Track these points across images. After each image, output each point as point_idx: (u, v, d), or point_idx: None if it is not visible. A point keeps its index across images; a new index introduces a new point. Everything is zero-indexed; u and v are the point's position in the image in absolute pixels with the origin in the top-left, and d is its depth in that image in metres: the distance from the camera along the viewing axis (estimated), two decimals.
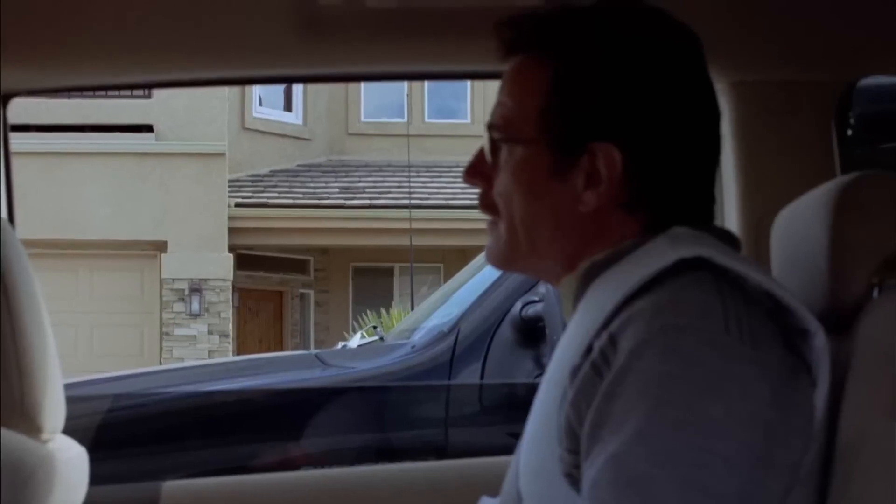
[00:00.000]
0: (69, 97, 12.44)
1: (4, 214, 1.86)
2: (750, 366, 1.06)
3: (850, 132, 2.20)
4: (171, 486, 1.91)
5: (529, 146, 1.21)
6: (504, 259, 1.27)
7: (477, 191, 1.27)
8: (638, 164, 1.17)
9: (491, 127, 1.25)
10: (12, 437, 1.34)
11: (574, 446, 1.09)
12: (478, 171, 1.26)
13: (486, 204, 1.26)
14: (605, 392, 1.06)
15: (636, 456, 1.02)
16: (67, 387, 1.49)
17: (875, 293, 1.18)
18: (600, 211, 1.19)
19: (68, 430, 1.49)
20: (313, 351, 4.96)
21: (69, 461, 1.45)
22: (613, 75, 1.18)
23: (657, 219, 1.18)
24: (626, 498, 1.02)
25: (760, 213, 1.74)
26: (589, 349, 1.10)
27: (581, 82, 1.18)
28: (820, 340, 1.09)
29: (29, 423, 1.37)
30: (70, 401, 1.48)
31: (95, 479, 1.56)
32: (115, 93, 12.72)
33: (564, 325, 1.24)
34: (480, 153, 1.27)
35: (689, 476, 1.01)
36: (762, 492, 1.04)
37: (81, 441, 1.53)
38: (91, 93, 12.18)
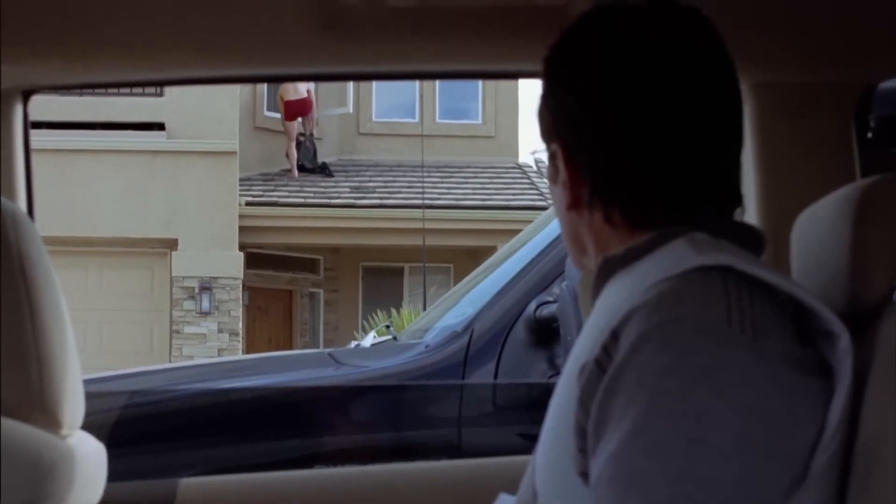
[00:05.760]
0: (81, 95, 12.47)
1: (25, 209, 1.86)
2: (749, 355, 1.06)
3: (870, 135, 2.19)
4: (187, 482, 1.92)
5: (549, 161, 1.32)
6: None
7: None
8: (575, 158, 1.24)
9: None
10: (32, 432, 1.33)
11: (585, 445, 1.10)
12: None
13: None
14: (606, 388, 1.07)
15: (633, 451, 1.03)
16: (83, 383, 1.49)
17: (895, 295, 1.18)
18: (574, 207, 1.26)
19: (85, 426, 1.49)
20: (326, 350, 4.94)
21: (88, 456, 1.45)
22: (562, 81, 1.27)
23: (622, 214, 1.22)
24: (624, 495, 1.02)
25: (780, 214, 1.74)
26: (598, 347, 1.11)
27: (547, 93, 1.29)
28: (845, 342, 1.09)
29: (48, 417, 1.36)
30: (87, 397, 1.48)
31: (112, 475, 1.56)
32: (127, 91, 12.78)
33: (580, 326, 1.25)
34: None
35: (684, 467, 1.01)
36: (762, 482, 1.03)
37: (98, 437, 1.53)
38: (103, 90, 12.23)
